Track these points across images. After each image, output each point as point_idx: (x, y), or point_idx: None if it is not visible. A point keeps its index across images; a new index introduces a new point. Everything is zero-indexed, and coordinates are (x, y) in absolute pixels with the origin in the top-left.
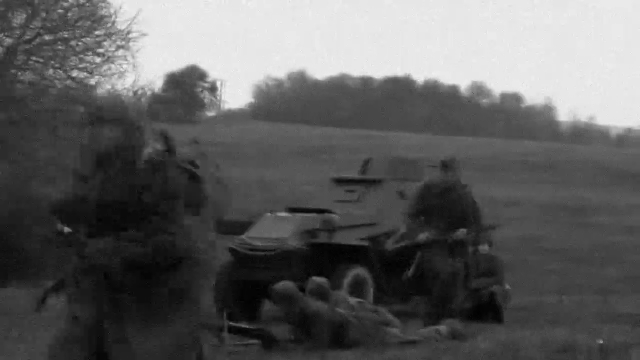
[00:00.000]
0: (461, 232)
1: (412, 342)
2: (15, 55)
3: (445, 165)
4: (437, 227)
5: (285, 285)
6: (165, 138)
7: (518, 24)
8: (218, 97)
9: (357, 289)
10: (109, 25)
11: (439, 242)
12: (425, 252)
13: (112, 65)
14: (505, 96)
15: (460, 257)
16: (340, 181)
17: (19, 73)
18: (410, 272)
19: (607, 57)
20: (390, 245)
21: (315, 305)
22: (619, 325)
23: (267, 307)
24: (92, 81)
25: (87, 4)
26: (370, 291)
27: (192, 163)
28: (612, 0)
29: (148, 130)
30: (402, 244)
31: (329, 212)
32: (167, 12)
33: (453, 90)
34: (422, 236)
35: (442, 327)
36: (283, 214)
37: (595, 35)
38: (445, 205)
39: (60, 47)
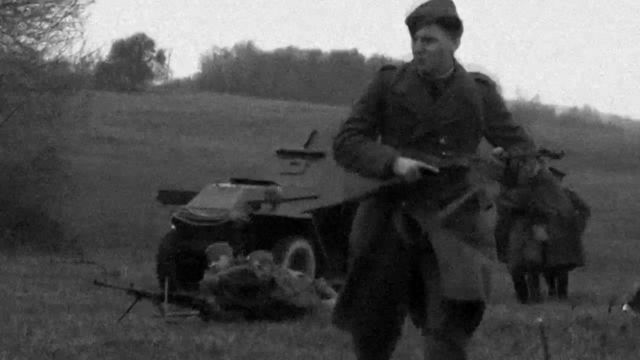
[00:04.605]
0: None
1: None
2: None
3: None
4: None
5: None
6: None
7: (463, 2)
8: (165, 66)
9: (299, 261)
10: None
11: None
12: None
13: (60, 32)
14: None
15: None
16: (284, 153)
17: None
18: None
19: (551, 38)
20: None
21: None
22: (557, 304)
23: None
24: (40, 47)
25: None
26: (312, 264)
27: None
28: None
29: None
30: None
31: (273, 184)
32: None
33: None
34: None
35: None
36: (227, 184)
37: (541, 13)
38: None
39: (8, 12)
